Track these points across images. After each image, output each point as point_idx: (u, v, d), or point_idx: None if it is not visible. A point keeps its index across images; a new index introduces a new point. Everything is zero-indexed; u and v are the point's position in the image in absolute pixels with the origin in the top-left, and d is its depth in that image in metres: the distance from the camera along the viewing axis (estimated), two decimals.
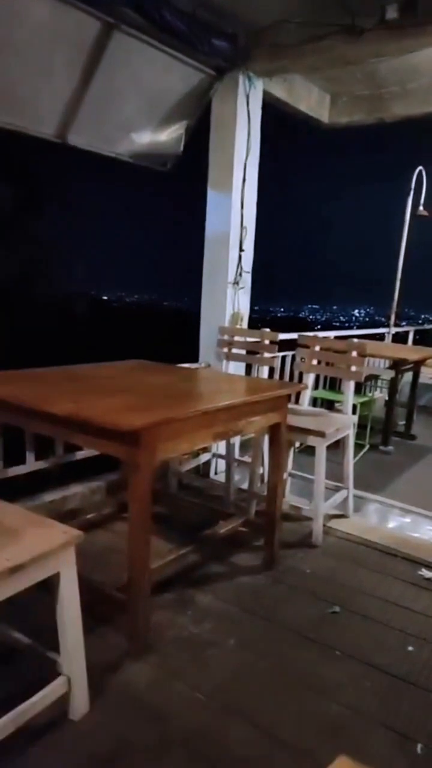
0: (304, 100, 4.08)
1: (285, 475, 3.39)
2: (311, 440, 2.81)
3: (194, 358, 3.76)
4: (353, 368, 3.09)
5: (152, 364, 2.91)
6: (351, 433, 3.13)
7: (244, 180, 3.55)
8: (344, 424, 3.03)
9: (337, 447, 3.08)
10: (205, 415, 1.98)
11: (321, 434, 2.78)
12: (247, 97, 3.46)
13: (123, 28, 2.80)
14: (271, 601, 2.34)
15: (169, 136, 3.61)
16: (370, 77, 3.87)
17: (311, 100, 4.14)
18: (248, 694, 1.80)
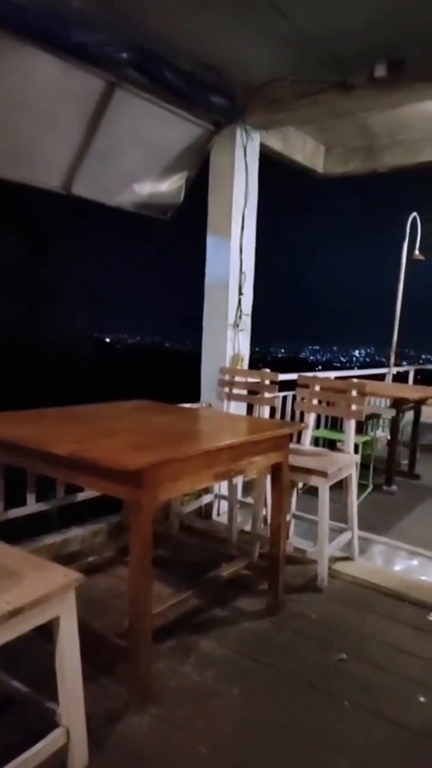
0: (299, 150, 4.25)
1: (288, 517, 3.36)
2: (314, 480, 2.80)
3: (196, 398, 3.78)
4: (354, 407, 3.10)
5: (154, 404, 2.93)
6: (354, 472, 3.11)
7: (242, 227, 3.66)
8: (347, 463, 3.01)
9: (340, 487, 3.06)
10: (207, 454, 1.98)
11: (323, 474, 2.77)
12: (245, 148, 3.61)
13: (125, 86, 2.95)
14: (276, 648, 2.28)
15: (170, 186, 3.75)
16: (363, 129, 4.05)
17: (306, 150, 4.31)
18: (254, 747, 1.73)
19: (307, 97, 3.22)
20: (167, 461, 1.81)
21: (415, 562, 3.20)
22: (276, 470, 2.47)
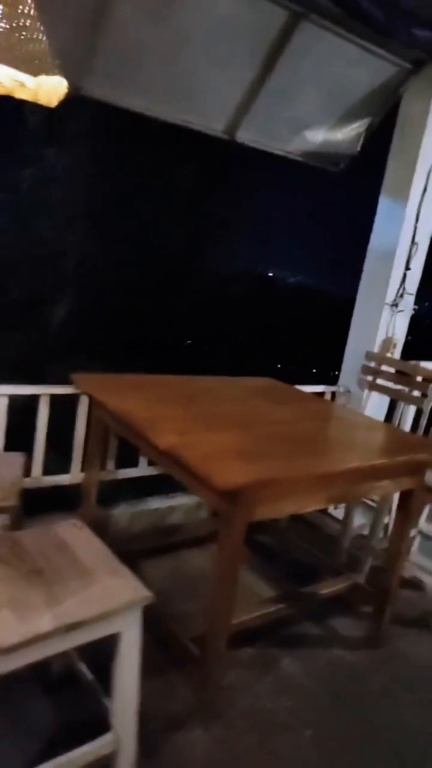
0: None
1: (414, 532, 2.98)
2: None
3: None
4: None
5: (282, 387, 2.68)
6: None
7: (425, 190, 3.09)
8: None
9: None
10: (321, 477, 1.71)
11: None
12: None
13: (312, 18, 2.52)
14: (367, 693, 2.02)
15: (347, 134, 3.27)
16: None
17: None
18: None
19: None
20: (271, 481, 1.58)
21: None
22: (406, 498, 2.11)
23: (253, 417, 2.12)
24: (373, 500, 3.06)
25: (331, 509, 3.41)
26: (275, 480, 1.59)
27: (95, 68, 2.29)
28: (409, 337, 3.40)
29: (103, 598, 1.35)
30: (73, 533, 1.60)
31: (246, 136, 2.96)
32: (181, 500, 2.88)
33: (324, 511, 3.37)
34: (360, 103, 3.12)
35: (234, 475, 1.52)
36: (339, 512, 3.34)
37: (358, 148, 3.37)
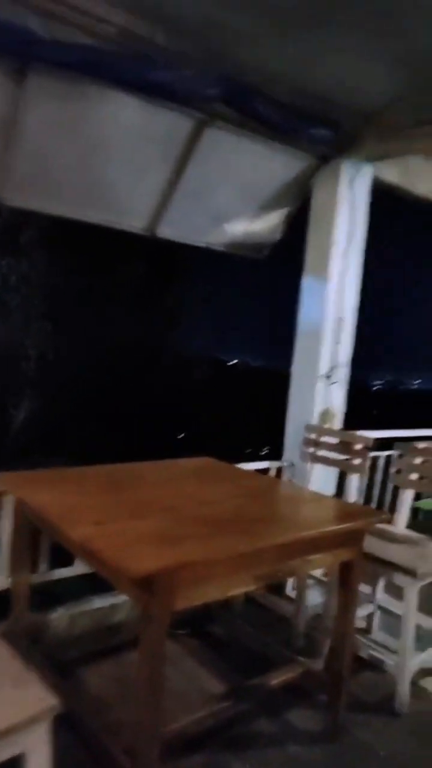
0: (425, 183, 3.76)
1: (371, 608, 2.88)
2: (399, 580, 2.32)
3: None
4: None
5: (218, 466, 2.64)
6: None
7: (344, 269, 3.28)
8: None
9: None
10: (244, 555, 1.66)
11: (411, 573, 2.28)
12: (352, 183, 3.25)
13: (215, 124, 2.76)
14: None
15: (267, 224, 3.49)
16: None
17: None
18: None
19: (428, 124, 2.80)
20: (189, 564, 1.52)
21: None
22: (345, 570, 2.05)
23: (180, 499, 2.08)
24: (326, 575, 2.97)
25: (288, 589, 3.28)
26: (192, 563, 1.53)
27: (12, 178, 2.43)
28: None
29: (5, 713, 1.23)
30: None
31: (167, 231, 3.13)
32: (124, 597, 2.73)
33: (279, 593, 3.24)
34: (276, 195, 3.36)
35: (147, 562, 1.46)
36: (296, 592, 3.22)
37: (279, 236, 3.59)
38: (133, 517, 1.82)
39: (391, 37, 2.28)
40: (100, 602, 2.64)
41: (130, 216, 2.95)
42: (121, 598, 2.70)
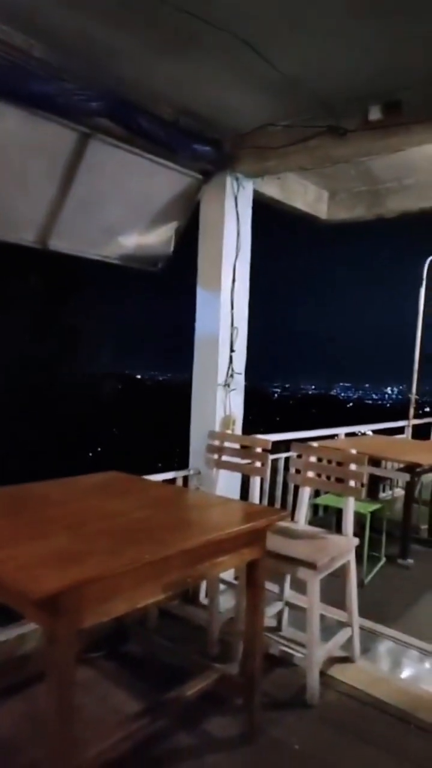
0: (300, 197, 4.01)
1: (280, 606, 2.97)
2: (301, 573, 2.42)
3: None
4: (352, 483, 2.73)
5: (124, 479, 2.61)
6: (352, 559, 2.71)
7: (234, 280, 3.40)
8: (343, 549, 2.63)
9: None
10: (151, 565, 1.65)
11: (312, 566, 2.39)
12: (236, 197, 3.38)
13: (99, 137, 2.76)
14: None
15: (159, 237, 3.53)
16: (366, 174, 3.79)
17: (307, 197, 4.07)
18: None
19: (298, 143, 2.99)
20: (93, 579, 1.49)
21: (427, 666, 2.75)
22: (251, 570, 2.10)
23: (84, 515, 2.03)
24: (236, 579, 3.02)
25: (202, 597, 3.30)
26: (97, 578, 1.49)
27: None
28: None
29: None
30: None
31: (59, 244, 3.06)
32: (32, 625, 2.60)
33: (194, 601, 3.25)
34: (165, 209, 3.41)
35: (49, 582, 1.41)
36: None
37: (171, 249, 3.65)
38: (34, 538, 1.75)
39: (257, 63, 2.41)
40: (4, 635, 2.49)
41: (20, 229, 2.85)
42: (28, 627, 2.57)
